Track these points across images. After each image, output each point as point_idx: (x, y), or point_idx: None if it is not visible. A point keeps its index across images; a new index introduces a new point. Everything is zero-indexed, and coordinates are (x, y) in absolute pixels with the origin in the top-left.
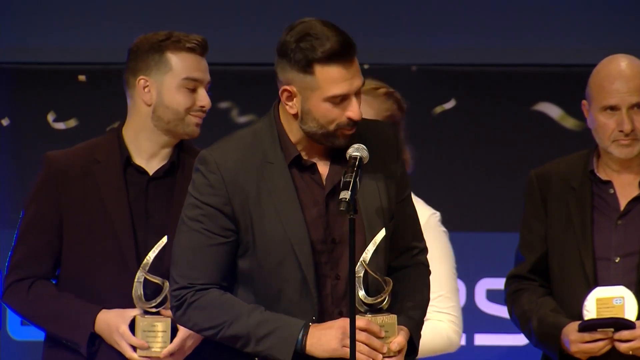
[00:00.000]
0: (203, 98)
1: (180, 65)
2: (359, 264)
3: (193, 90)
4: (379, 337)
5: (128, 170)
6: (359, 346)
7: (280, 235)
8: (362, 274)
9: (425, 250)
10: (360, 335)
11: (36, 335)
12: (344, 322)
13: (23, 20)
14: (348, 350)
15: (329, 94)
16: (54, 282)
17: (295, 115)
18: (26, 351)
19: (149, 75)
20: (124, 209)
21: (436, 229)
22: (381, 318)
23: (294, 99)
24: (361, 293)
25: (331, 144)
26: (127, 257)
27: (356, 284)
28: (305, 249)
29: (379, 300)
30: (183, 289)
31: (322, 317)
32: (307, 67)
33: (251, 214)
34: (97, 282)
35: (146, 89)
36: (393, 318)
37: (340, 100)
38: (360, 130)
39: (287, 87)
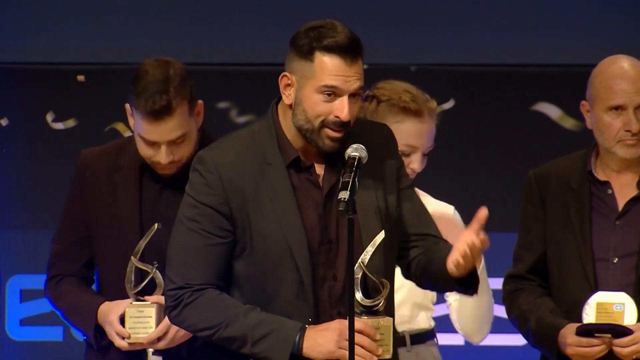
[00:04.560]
0: (160, 155)
1: (136, 121)
2: (357, 265)
3: (154, 145)
4: (374, 340)
5: (144, 176)
6: (357, 348)
7: (277, 236)
8: (359, 276)
9: (446, 240)
10: (356, 337)
11: (35, 335)
12: (340, 324)
13: (22, 20)
14: (344, 352)
15: (321, 83)
16: (95, 278)
17: (290, 106)
18: (25, 351)
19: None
20: (134, 217)
21: (461, 223)
22: (377, 320)
23: (291, 88)
24: (358, 295)
25: (315, 144)
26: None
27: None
28: (302, 250)
29: (375, 302)
30: (180, 289)
31: (321, 318)
32: (308, 53)
33: (248, 215)
34: (110, 285)
35: (129, 117)
36: (389, 321)
37: (331, 95)
38: (357, 129)
39: (287, 74)
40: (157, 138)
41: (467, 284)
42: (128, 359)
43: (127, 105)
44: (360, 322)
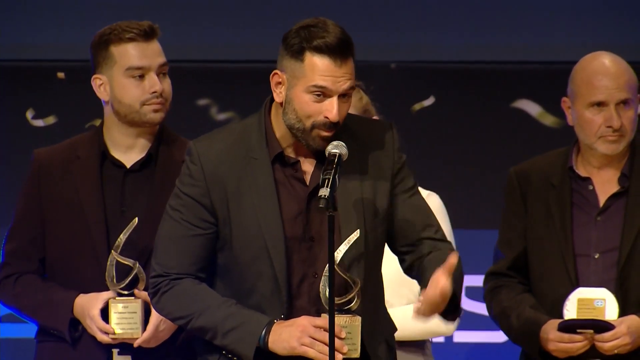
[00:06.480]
0: (153, 83)
1: (122, 56)
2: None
3: (141, 78)
4: (339, 338)
5: (105, 165)
6: (319, 345)
7: (255, 230)
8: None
9: (445, 239)
10: (319, 334)
11: (15, 332)
12: (305, 320)
13: (1, 17)
14: (306, 348)
15: (311, 83)
16: (45, 276)
17: (281, 104)
18: (4, 349)
19: (100, 73)
20: (97, 204)
21: (439, 206)
22: (344, 318)
23: (282, 86)
24: (328, 292)
25: (306, 143)
26: (99, 252)
27: (323, 282)
28: (278, 246)
29: (344, 300)
30: (159, 277)
31: (299, 314)
32: (299, 53)
33: (229, 208)
34: (72, 278)
35: (101, 87)
36: (357, 320)
37: (321, 95)
38: (354, 128)
39: (277, 72)
40: (149, 61)
41: (447, 312)
42: (93, 357)
43: (97, 76)
44: (324, 319)
